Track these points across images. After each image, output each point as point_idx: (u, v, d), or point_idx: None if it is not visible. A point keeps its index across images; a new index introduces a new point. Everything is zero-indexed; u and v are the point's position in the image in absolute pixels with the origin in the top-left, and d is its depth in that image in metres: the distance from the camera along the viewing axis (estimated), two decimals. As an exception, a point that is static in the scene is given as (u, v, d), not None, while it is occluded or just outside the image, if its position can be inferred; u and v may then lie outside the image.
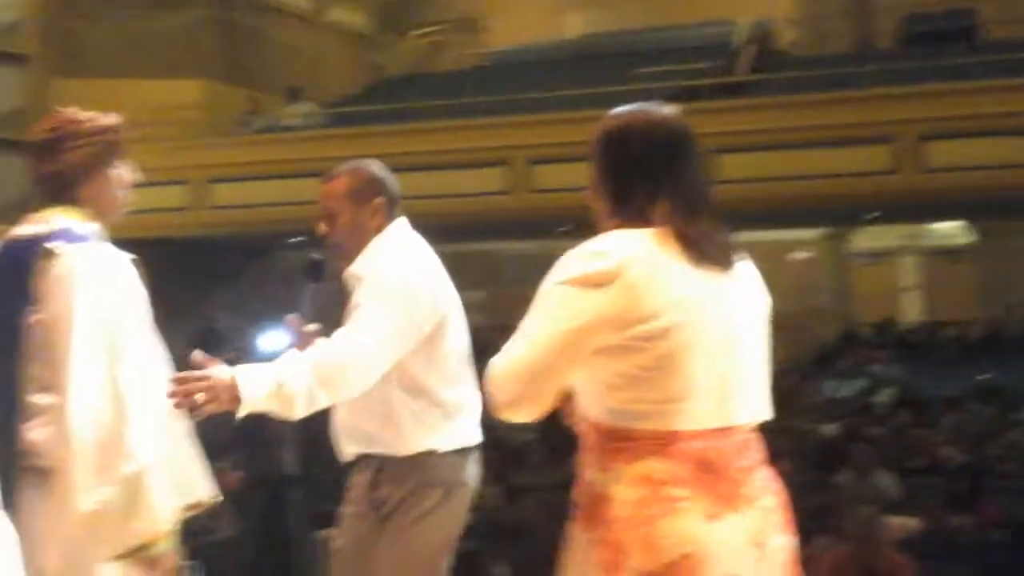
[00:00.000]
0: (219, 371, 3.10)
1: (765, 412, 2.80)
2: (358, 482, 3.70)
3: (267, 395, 3.19)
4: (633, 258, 2.62)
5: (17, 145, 14.59)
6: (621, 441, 2.62)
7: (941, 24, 16.50)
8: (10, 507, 2.75)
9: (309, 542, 7.28)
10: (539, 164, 13.88)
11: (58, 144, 3.08)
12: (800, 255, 19.69)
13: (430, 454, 3.60)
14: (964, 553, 7.82)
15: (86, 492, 2.82)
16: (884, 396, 13.73)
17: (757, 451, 2.75)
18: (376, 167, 3.78)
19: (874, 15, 18.76)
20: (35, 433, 2.91)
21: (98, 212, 3.10)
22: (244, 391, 3.12)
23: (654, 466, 2.60)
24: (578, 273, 2.61)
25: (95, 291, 2.91)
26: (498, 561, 7.52)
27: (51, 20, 15.71)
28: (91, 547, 2.85)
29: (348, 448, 3.72)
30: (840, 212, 15.65)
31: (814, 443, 11.08)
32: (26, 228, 3.06)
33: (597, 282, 2.60)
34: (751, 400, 2.75)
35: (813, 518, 8.17)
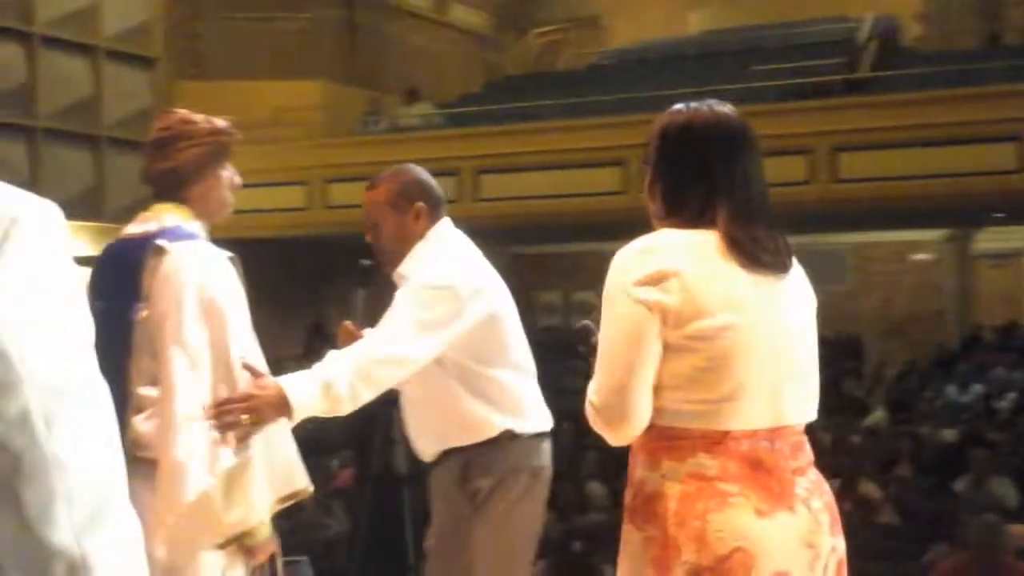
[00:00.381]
0: (264, 385, 3.16)
1: (814, 413, 2.81)
2: (445, 479, 3.75)
3: (316, 398, 3.29)
4: (687, 258, 2.65)
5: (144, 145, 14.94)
6: (671, 440, 2.65)
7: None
8: None
9: (419, 541, 7.33)
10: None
11: (172, 143, 3.17)
12: (922, 256, 19.31)
13: (511, 438, 3.70)
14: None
15: (190, 484, 2.91)
16: (1006, 401, 13.44)
17: (807, 452, 2.77)
18: (417, 171, 3.85)
19: (1002, 10, 18.34)
20: (143, 425, 3.00)
21: (205, 212, 3.19)
22: (294, 399, 3.20)
23: (704, 462, 2.63)
24: (637, 275, 2.63)
25: (200, 288, 2.99)
26: (609, 563, 7.49)
27: (176, 23, 16.01)
28: (195, 536, 2.94)
29: (429, 448, 3.81)
30: (964, 212, 15.32)
31: (933, 448, 10.92)
32: (138, 226, 3.16)
33: (655, 280, 2.62)
34: (801, 401, 2.76)
35: (931, 524, 8.02)
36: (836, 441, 10.19)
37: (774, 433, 2.69)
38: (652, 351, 2.64)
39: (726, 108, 2.83)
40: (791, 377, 2.73)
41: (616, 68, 18.54)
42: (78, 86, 14.69)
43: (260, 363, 3.16)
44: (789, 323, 2.75)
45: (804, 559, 2.65)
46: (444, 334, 3.56)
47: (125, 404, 2.99)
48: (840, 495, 8.88)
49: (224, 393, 3.00)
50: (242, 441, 3.07)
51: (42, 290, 1.08)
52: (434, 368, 3.61)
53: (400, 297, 3.60)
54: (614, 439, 2.70)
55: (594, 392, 2.69)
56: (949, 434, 11.45)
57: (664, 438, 2.66)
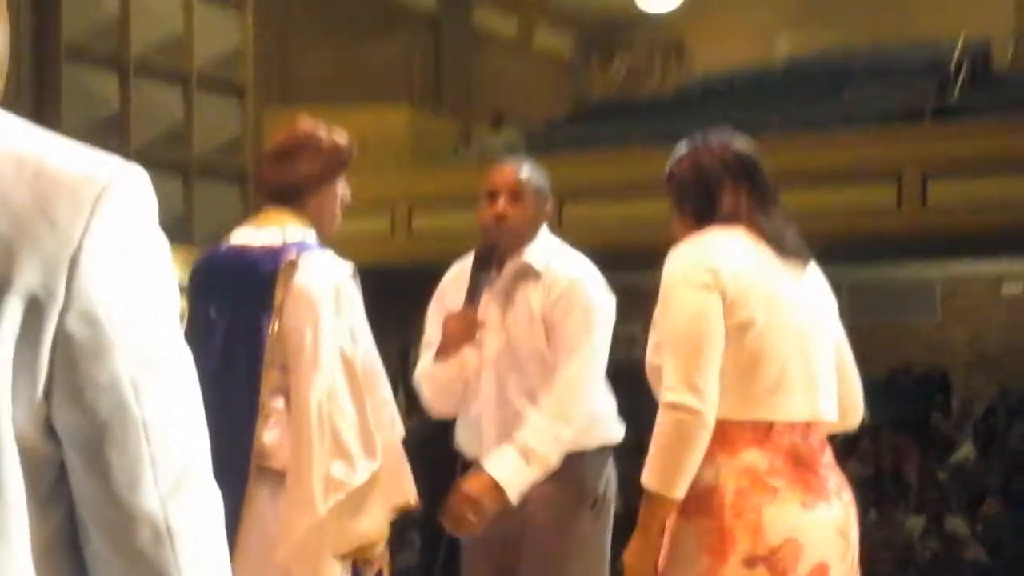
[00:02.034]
0: (473, 483, 3.46)
1: (835, 412, 3.00)
2: (557, 485, 3.67)
3: (523, 470, 3.46)
4: (732, 252, 2.89)
5: (235, 175, 15.14)
6: (724, 434, 2.83)
7: None
8: (239, 503, 3.04)
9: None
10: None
11: (295, 154, 3.23)
12: (1014, 288, 18.95)
13: (610, 447, 3.80)
14: None
15: (321, 497, 2.96)
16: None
17: (829, 449, 2.98)
18: None
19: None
20: (268, 435, 3.08)
21: (318, 224, 3.25)
22: (505, 483, 3.43)
23: (754, 458, 2.83)
24: (696, 266, 2.86)
25: (332, 301, 3.05)
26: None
27: (265, 51, 16.21)
28: (322, 547, 3.00)
29: None
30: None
31: (1022, 484, 10.77)
32: (255, 233, 3.23)
33: (712, 270, 2.83)
34: (830, 396, 2.97)
35: (1020, 560, 7.85)
36: (922, 477, 10.05)
37: (809, 428, 2.90)
38: (719, 335, 2.83)
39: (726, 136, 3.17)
40: (822, 372, 2.94)
41: (702, 94, 18.45)
42: (169, 115, 14.92)
43: (382, 369, 3.23)
44: (816, 320, 2.98)
45: (839, 549, 2.88)
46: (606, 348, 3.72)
47: (253, 414, 3.09)
48: (926, 531, 8.78)
49: (351, 409, 3.05)
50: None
51: (133, 258, 1.08)
52: None
53: (576, 320, 3.64)
54: (698, 430, 2.78)
55: (669, 390, 2.81)
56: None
57: (717, 432, 2.82)
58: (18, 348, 1.01)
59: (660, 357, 2.93)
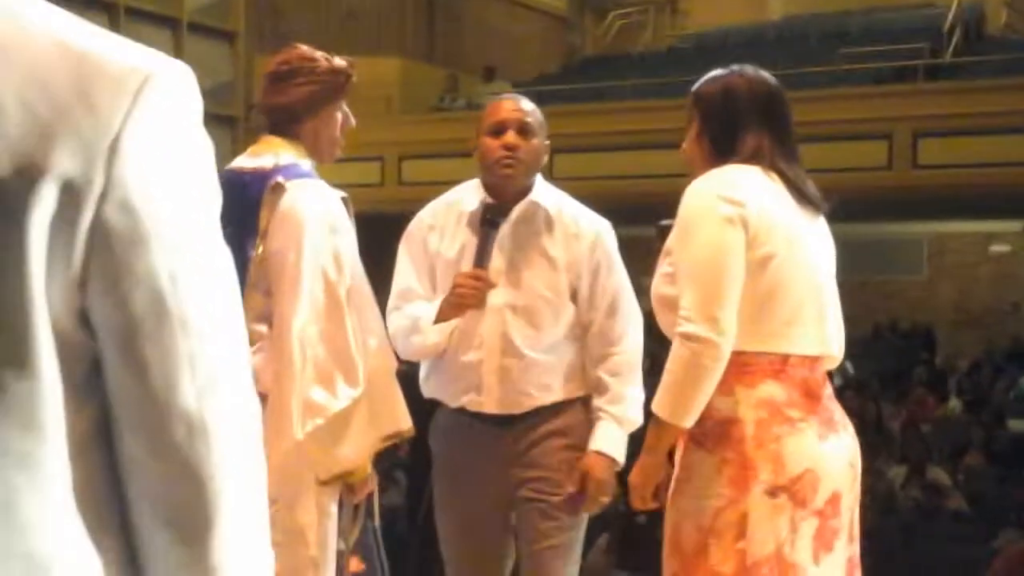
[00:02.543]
0: (596, 467, 3.49)
1: (840, 348, 3.03)
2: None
3: (623, 439, 3.54)
4: (755, 188, 2.90)
5: (225, 119, 15.09)
6: (743, 366, 2.85)
7: None
8: None
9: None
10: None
11: (289, 78, 3.18)
12: (1000, 247, 19.01)
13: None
14: None
15: (300, 422, 2.96)
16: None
17: (829, 383, 3.03)
18: None
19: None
20: (252, 360, 3.02)
21: (316, 150, 3.21)
22: (618, 457, 3.51)
23: (772, 389, 2.85)
24: (721, 198, 2.86)
25: (317, 226, 3.02)
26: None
27: (258, -2, 16.13)
28: (301, 473, 2.99)
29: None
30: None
31: (1005, 438, 10.92)
32: (250, 159, 3.19)
33: (737, 203, 2.84)
34: (838, 332, 3.00)
35: (1001, 510, 7.95)
36: (905, 428, 10.16)
37: (816, 362, 2.93)
38: (740, 268, 2.83)
39: (760, 72, 3.14)
40: (830, 309, 2.97)
41: (695, 51, 18.40)
42: (160, 59, 14.84)
43: (372, 299, 3.19)
44: (825, 260, 3.01)
45: (849, 478, 2.93)
46: None
47: None
48: (908, 481, 8.87)
49: (334, 335, 3.02)
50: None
51: (175, 151, 1.05)
52: None
53: (616, 276, 3.59)
54: (713, 362, 2.81)
55: (686, 320, 2.81)
56: (1020, 425, 11.47)
57: (735, 364, 2.84)
58: (53, 235, 0.98)
59: (673, 287, 2.92)
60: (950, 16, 16.32)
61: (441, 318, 3.49)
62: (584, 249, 3.53)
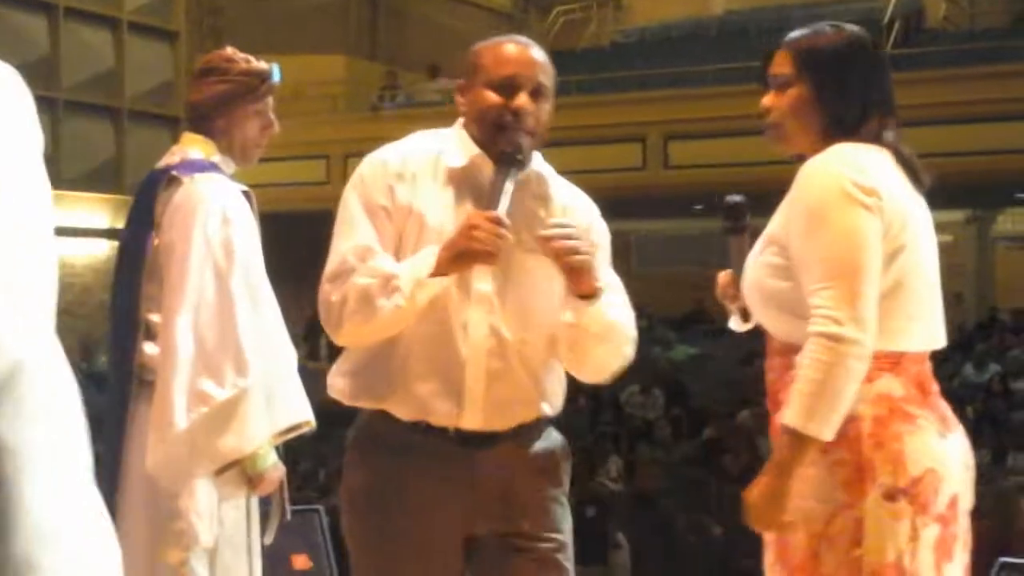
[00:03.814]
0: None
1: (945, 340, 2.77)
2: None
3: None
4: (884, 173, 2.61)
5: (166, 119, 14.98)
6: None
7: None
8: (125, 419, 3.06)
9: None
10: (674, 140, 13.79)
11: (205, 76, 3.23)
12: (942, 238, 19.20)
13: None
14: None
15: (184, 410, 2.95)
16: (1022, 382, 13.52)
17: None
18: None
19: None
20: (148, 349, 3.08)
21: (228, 148, 3.23)
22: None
23: (890, 384, 2.59)
24: (857, 185, 2.55)
25: (208, 217, 3.04)
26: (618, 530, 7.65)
27: (199, -3, 16.03)
28: (189, 461, 2.99)
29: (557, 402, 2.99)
30: (985, 192, 15.26)
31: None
32: (166, 157, 3.24)
33: (872, 192, 2.55)
34: (944, 325, 2.74)
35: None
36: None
37: (927, 357, 2.68)
38: (879, 261, 2.56)
39: (861, 31, 2.79)
40: (939, 300, 2.73)
41: (638, 46, 18.49)
42: (100, 59, 14.72)
43: (271, 295, 3.17)
44: (935, 249, 2.75)
45: (967, 480, 2.68)
46: None
47: (134, 328, 3.10)
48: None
49: (224, 324, 2.99)
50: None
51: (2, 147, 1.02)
52: None
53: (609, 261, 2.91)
54: (862, 363, 2.51)
55: (828, 319, 2.51)
56: (966, 412, 11.58)
57: None
58: None
59: (783, 281, 2.64)
60: (890, 9, 16.49)
61: (440, 271, 2.62)
62: (586, 227, 2.84)
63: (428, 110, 15.54)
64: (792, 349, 2.61)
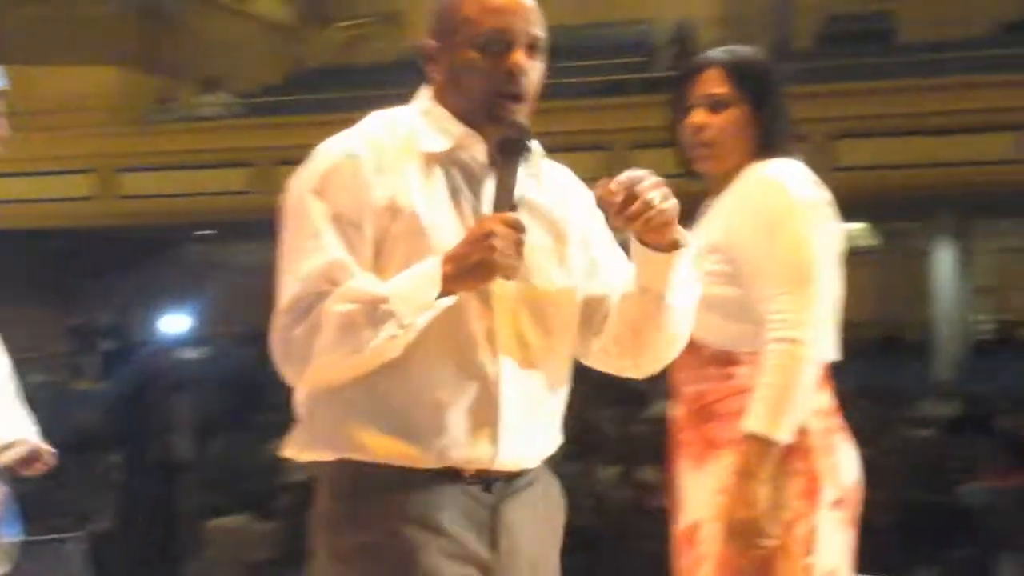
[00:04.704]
0: None
1: None
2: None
3: None
4: (814, 184, 2.70)
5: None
6: None
7: (860, 25, 16.95)
8: None
9: (199, 530, 7.20)
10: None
11: None
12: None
13: None
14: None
15: None
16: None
17: None
18: None
19: (795, 16, 18.92)
20: None
21: None
22: None
23: (823, 398, 2.66)
24: (808, 198, 2.64)
25: None
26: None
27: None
28: None
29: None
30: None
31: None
32: None
33: (822, 200, 2.66)
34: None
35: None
36: (620, 430, 10.45)
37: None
38: (832, 266, 2.67)
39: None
40: None
41: (420, 63, 18.51)
42: None
43: None
44: None
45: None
46: None
47: None
48: (621, 481, 9.17)
49: None
50: None
51: None
52: None
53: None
54: (815, 367, 2.57)
55: (786, 324, 2.54)
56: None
57: None
58: None
59: (725, 288, 2.64)
60: (663, 33, 16.94)
61: (448, 289, 2.06)
62: (588, 211, 2.38)
63: (204, 124, 15.26)
64: (731, 357, 2.64)
